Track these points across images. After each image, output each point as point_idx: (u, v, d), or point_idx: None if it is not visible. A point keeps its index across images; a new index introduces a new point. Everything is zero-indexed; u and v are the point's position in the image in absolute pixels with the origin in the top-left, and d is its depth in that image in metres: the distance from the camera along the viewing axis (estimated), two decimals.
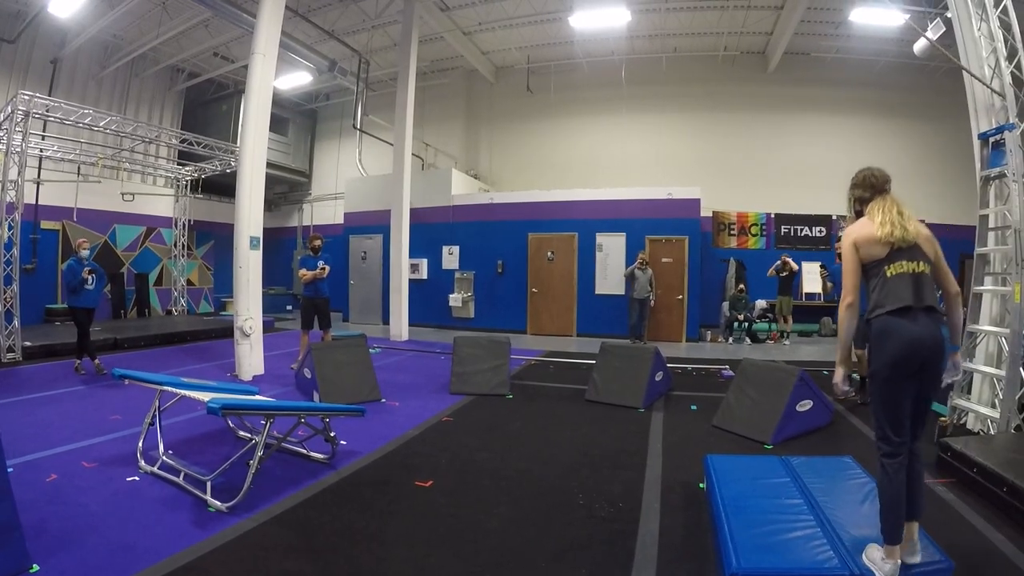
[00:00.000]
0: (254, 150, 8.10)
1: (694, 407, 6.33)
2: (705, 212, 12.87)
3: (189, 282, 16.14)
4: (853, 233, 2.59)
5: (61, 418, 5.71)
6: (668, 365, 7.27)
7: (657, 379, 6.66)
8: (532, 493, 3.85)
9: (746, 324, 12.11)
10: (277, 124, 15.99)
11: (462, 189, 14.53)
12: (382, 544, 3.10)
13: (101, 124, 10.77)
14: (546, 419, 5.88)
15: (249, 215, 8.05)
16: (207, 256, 17.23)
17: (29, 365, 8.57)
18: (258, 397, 4.72)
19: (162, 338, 11.07)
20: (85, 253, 8.16)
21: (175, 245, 15.37)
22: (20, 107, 9.03)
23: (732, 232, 13.89)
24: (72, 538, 3.06)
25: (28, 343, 9.09)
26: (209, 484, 3.63)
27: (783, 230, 13.74)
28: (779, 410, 5.10)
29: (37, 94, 9.61)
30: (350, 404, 5.51)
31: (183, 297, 15.40)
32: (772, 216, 13.64)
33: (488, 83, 16.21)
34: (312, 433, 4.43)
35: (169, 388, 4.29)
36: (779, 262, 11.99)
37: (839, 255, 3.21)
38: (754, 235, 13.91)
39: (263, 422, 3.77)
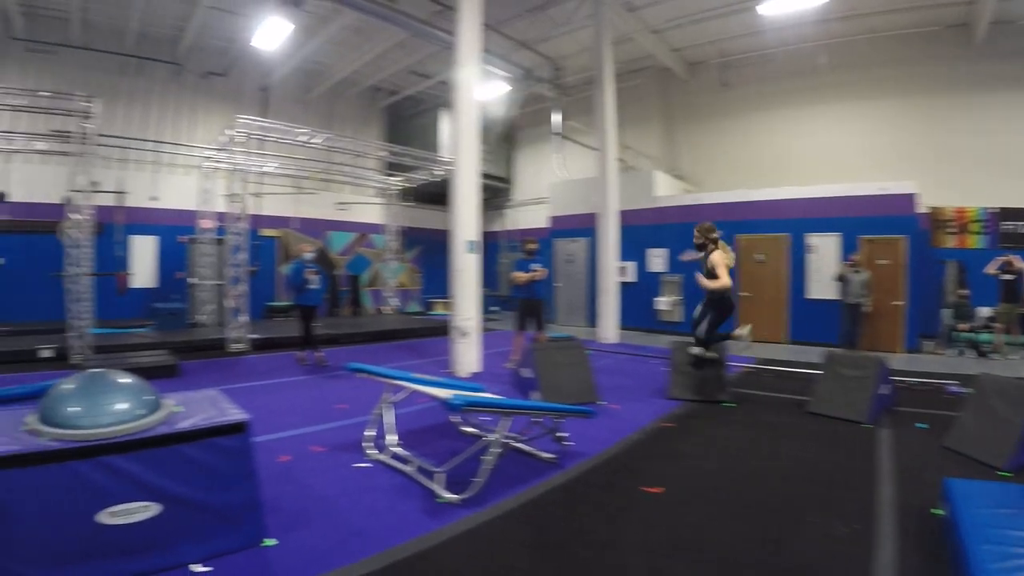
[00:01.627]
0: (467, 159, 8.65)
1: (922, 425, 5.71)
2: (921, 208, 11.59)
3: (399, 284, 17.51)
4: None
5: (289, 404, 6.24)
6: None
7: (882, 392, 6.10)
8: (763, 508, 3.65)
9: (971, 334, 10.75)
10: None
11: (665, 190, 14.35)
12: (615, 549, 3.05)
13: (311, 141, 11.95)
14: (768, 430, 5.59)
15: (465, 220, 8.51)
16: (416, 259, 18.67)
17: (255, 355, 9.75)
18: (487, 394, 4.83)
19: (376, 335, 12.13)
20: (309, 256, 9.08)
21: (386, 249, 16.75)
22: (240, 130, 10.35)
23: (950, 230, 12.38)
24: (305, 518, 3.29)
25: (254, 335, 10.36)
26: (441, 476, 3.75)
27: (1007, 227, 12.00)
28: (1018, 433, 4.44)
29: (254, 118, 10.94)
30: (574, 405, 5.58)
31: (394, 297, 16.70)
32: (994, 211, 11.97)
33: (681, 81, 15.84)
34: (541, 432, 4.50)
35: (401, 383, 4.49)
36: (1002, 260, 10.50)
37: None
38: (974, 233, 12.30)
39: (499, 419, 3.85)
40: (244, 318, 10.18)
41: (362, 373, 4.85)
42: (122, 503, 2.56)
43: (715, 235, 6.41)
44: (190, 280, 13.09)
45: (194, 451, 2.80)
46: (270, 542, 2.96)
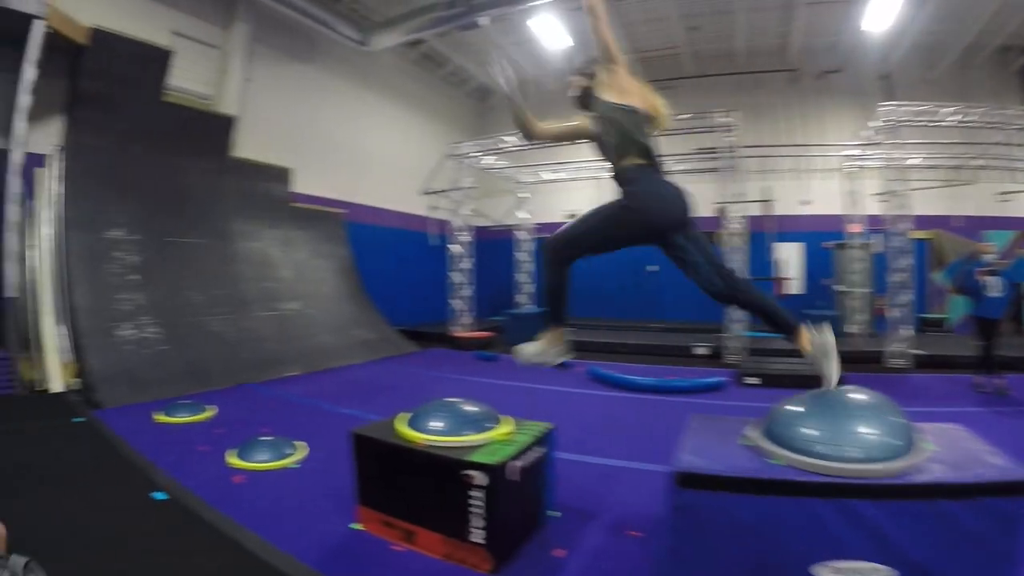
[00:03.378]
0: None
1: None
2: None
3: None
4: None
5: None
6: None
7: None
8: None
9: None
10: None
11: None
12: None
13: (963, 121, 9.54)
14: None
15: None
16: None
17: (918, 374, 8.36)
18: None
19: None
20: (989, 257, 7.45)
21: None
22: (885, 120, 9.18)
23: None
24: None
25: (917, 351, 8.93)
26: None
27: None
28: None
29: (899, 103, 9.42)
30: None
31: None
32: None
33: None
34: None
35: None
36: None
37: None
38: None
39: None
40: (907, 331, 9.03)
41: None
42: (851, 559, 2.07)
43: None
44: (837, 287, 12.70)
45: (959, 511, 2.04)
46: None
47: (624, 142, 2.76)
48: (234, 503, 3.67)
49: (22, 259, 7.14)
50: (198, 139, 9.03)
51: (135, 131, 8.12)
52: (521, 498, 3.06)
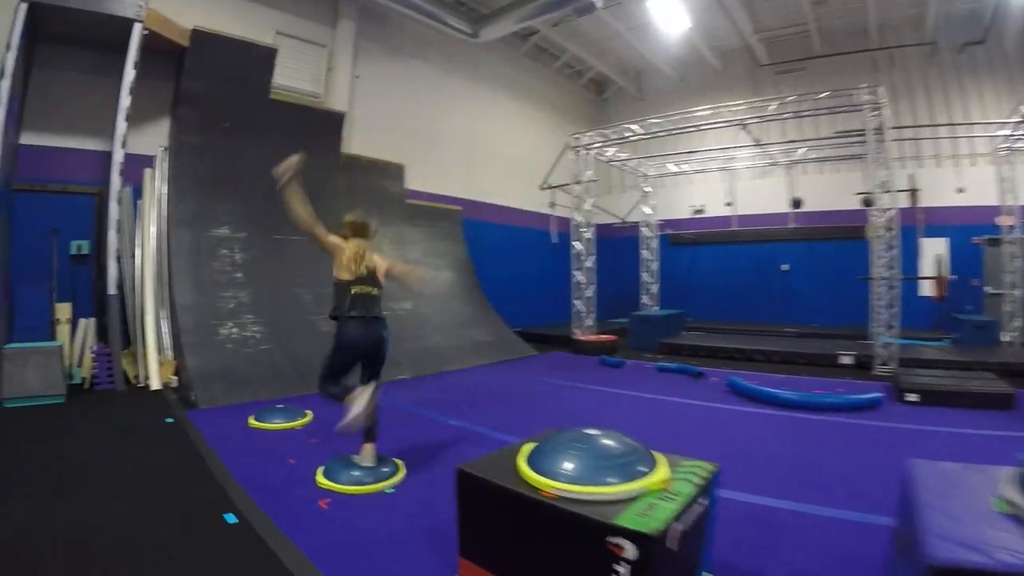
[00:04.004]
0: None
1: None
2: None
3: None
4: None
5: None
6: None
7: None
8: None
9: None
10: None
11: None
12: None
13: None
14: None
15: None
16: None
17: None
18: None
19: None
20: None
21: None
22: None
23: None
24: None
25: None
26: None
27: None
28: None
29: None
30: None
31: None
32: None
33: None
34: None
35: None
36: None
37: None
38: None
39: None
40: None
41: None
42: None
43: None
44: (989, 289, 10.62)
45: None
46: None
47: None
48: (313, 534, 2.95)
49: (130, 257, 7.09)
50: (307, 136, 8.63)
51: (241, 129, 7.88)
52: (676, 568, 2.02)
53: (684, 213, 15.28)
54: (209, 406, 5.60)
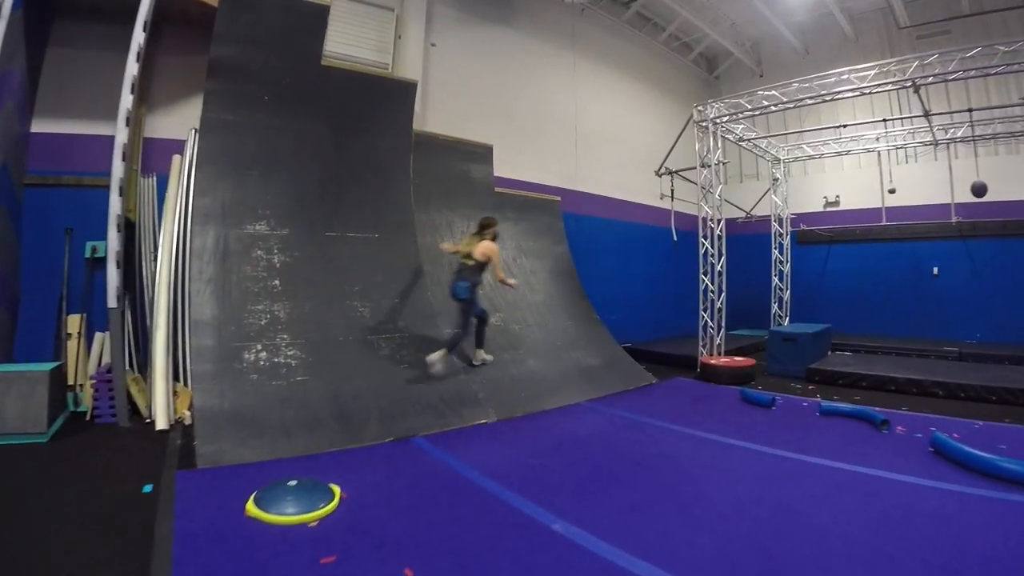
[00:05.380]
0: None
1: None
2: None
3: None
4: None
5: None
6: None
7: None
8: None
9: None
10: None
11: None
12: None
13: None
14: None
15: None
16: None
17: None
18: None
19: None
20: None
21: None
22: None
23: None
24: None
25: None
26: None
27: None
28: None
29: None
30: None
31: None
32: None
33: None
34: None
35: None
36: None
37: None
38: None
39: None
40: None
41: None
42: None
43: None
44: None
45: None
46: None
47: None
48: None
49: (152, 260, 5.68)
50: (370, 111, 7.06)
51: (286, 103, 6.33)
52: None
53: (814, 206, 12.72)
54: (210, 465, 3.94)
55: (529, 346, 7.17)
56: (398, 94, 7.34)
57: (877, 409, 5.66)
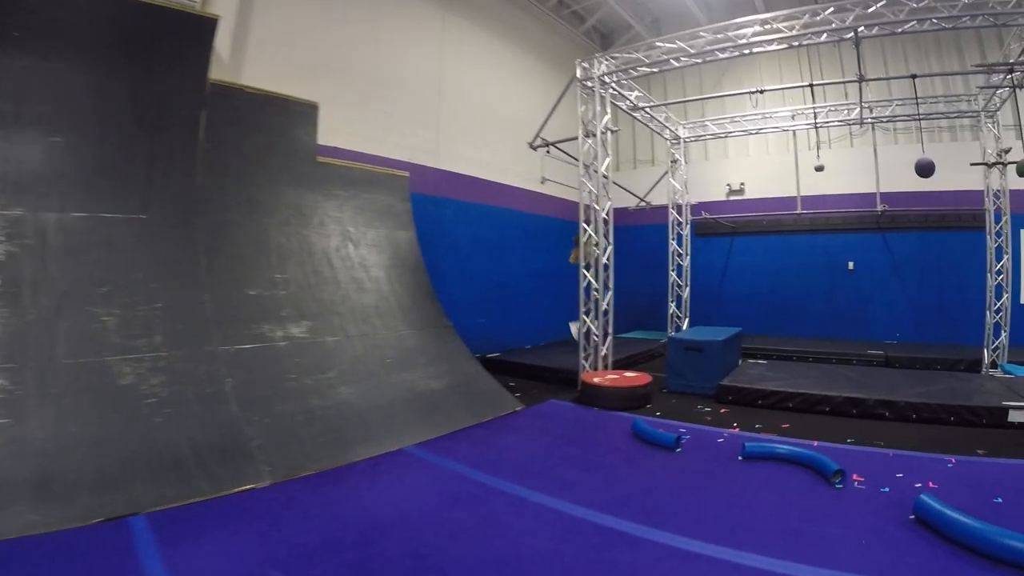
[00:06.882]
0: None
1: None
2: None
3: None
4: None
5: None
6: None
7: None
8: None
9: None
10: None
11: None
12: None
13: None
14: None
15: None
16: None
17: None
18: None
19: None
20: None
21: None
22: None
23: None
24: None
25: None
26: None
27: None
28: None
29: None
30: None
31: None
32: None
33: None
34: None
35: None
36: None
37: None
38: None
39: None
40: None
41: None
42: None
43: None
44: None
45: None
46: None
47: None
48: None
49: None
50: (148, 51, 4.97)
51: (39, 38, 4.39)
52: None
53: (716, 195, 11.79)
54: None
55: (344, 366, 5.27)
56: (190, 31, 5.22)
57: (815, 444, 4.24)
